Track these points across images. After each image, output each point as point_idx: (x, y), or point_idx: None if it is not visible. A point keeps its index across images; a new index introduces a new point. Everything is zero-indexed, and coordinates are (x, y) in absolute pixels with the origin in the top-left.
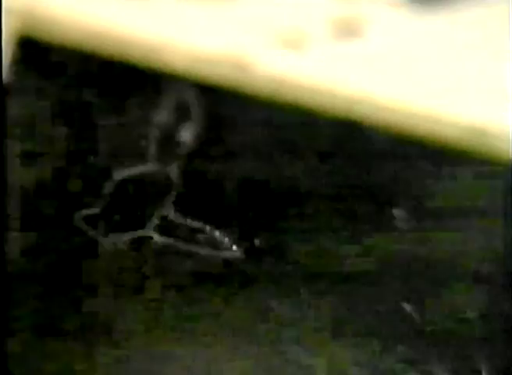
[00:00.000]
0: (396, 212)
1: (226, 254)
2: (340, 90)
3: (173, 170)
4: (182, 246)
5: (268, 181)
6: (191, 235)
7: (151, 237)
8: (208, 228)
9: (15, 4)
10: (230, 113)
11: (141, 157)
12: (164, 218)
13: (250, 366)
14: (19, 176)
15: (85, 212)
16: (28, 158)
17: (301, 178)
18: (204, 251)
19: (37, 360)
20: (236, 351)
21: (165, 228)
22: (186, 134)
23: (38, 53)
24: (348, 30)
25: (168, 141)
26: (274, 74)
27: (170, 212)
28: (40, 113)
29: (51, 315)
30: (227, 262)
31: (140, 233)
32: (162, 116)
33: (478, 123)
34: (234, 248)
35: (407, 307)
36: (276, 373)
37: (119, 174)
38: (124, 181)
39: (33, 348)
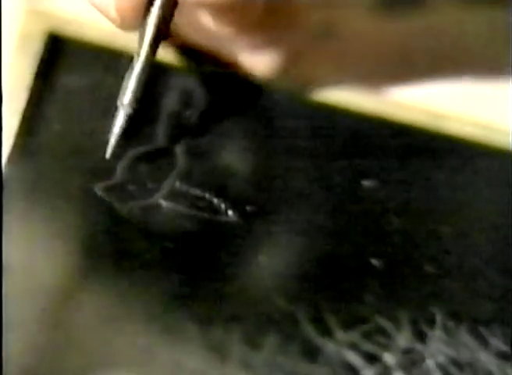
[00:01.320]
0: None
1: (223, 218)
2: None
3: (179, 149)
4: (185, 211)
5: (259, 158)
6: (193, 202)
7: (160, 204)
8: (207, 196)
9: (40, 5)
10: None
11: (152, 138)
12: (171, 187)
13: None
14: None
15: (105, 182)
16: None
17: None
18: (203, 215)
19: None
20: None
21: (171, 196)
22: (190, 119)
23: (64, 51)
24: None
25: (174, 124)
26: None
27: (175, 183)
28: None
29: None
30: (223, 225)
31: (150, 201)
32: (170, 104)
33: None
34: (230, 212)
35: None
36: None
37: (135, 150)
38: (137, 157)
39: None
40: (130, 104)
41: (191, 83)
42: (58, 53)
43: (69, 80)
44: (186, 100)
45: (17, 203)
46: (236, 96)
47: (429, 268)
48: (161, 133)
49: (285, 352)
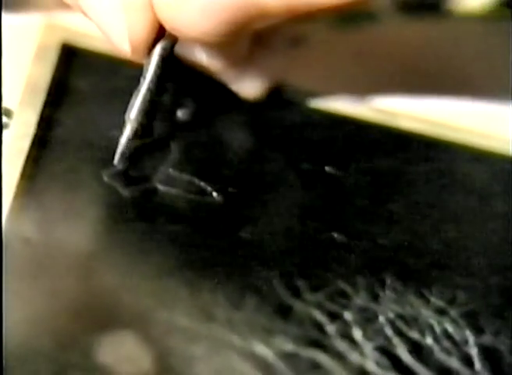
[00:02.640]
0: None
1: (208, 198)
2: None
3: (172, 140)
4: (177, 193)
5: (240, 149)
6: (184, 185)
7: (157, 187)
8: (196, 180)
9: (57, 20)
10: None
11: (149, 130)
12: (165, 173)
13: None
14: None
15: (110, 171)
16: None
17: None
18: (192, 196)
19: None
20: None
21: (166, 181)
22: (183, 115)
23: (77, 60)
24: None
25: (169, 121)
26: None
27: (170, 170)
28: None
29: None
30: (209, 205)
31: (148, 185)
32: (166, 104)
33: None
34: (214, 194)
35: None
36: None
37: (134, 143)
38: (138, 149)
39: None
40: (136, 119)
41: (184, 85)
42: (72, 62)
43: (81, 84)
44: (180, 100)
45: (35, 186)
46: (225, 96)
47: (382, 241)
48: (158, 129)
49: (262, 312)
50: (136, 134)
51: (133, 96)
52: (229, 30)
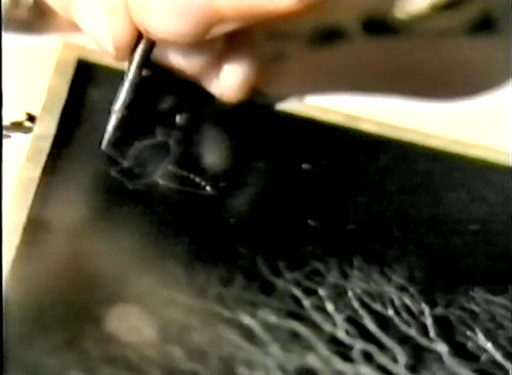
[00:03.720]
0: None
1: (202, 191)
2: None
3: (172, 142)
4: (175, 187)
5: (230, 149)
6: (181, 180)
7: (158, 182)
8: (191, 176)
9: (73, 39)
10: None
11: (152, 134)
12: (165, 170)
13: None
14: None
15: (117, 168)
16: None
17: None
18: (188, 189)
19: None
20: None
21: (166, 176)
22: (181, 120)
23: (91, 74)
24: None
25: (169, 124)
26: None
27: (169, 166)
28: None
29: None
30: (202, 197)
31: (151, 179)
32: (166, 108)
33: None
34: (207, 188)
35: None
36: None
37: (140, 143)
38: (141, 148)
39: None
40: (120, 110)
41: (182, 91)
42: (86, 75)
43: (94, 94)
44: (179, 105)
45: (54, 180)
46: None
47: (350, 227)
48: (159, 131)
49: (248, 288)
50: (120, 123)
51: (118, 91)
52: (195, 31)
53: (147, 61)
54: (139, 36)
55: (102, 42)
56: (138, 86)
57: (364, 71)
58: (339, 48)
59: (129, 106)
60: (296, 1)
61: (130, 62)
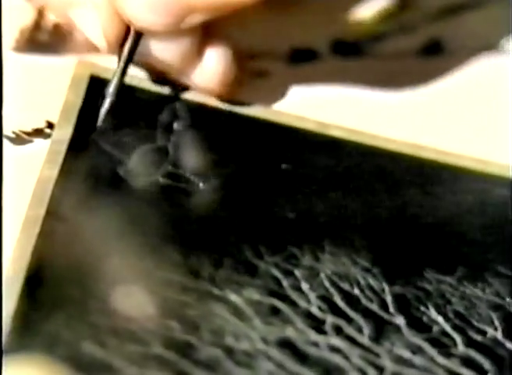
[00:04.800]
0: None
1: (196, 188)
2: None
3: (170, 146)
4: (173, 184)
5: (218, 152)
6: (178, 179)
7: (158, 180)
8: (187, 174)
9: (87, 57)
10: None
11: (153, 140)
12: (165, 170)
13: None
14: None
15: (124, 168)
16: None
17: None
18: (184, 186)
19: None
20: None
21: (166, 175)
22: (178, 126)
23: (102, 87)
24: None
25: (168, 131)
26: None
27: (168, 167)
28: None
29: None
30: (196, 192)
31: (153, 178)
32: (165, 117)
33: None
34: (200, 184)
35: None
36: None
37: (143, 147)
38: (144, 152)
39: None
40: (112, 93)
41: (179, 103)
42: (97, 89)
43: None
44: (176, 116)
45: (70, 178)
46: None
47: (323, 219)
48: (159, 137)
49: (235, 270)
50: (112, 105)
51: (111, 78)
52: (170, 21)
53: (134, 51)
54: (127, 29)
55: (95, 39)
56: (127, 74)
57: (332, 85)
58: (312, 66)
59: (119, 92)
60: None
61: (120, 53)
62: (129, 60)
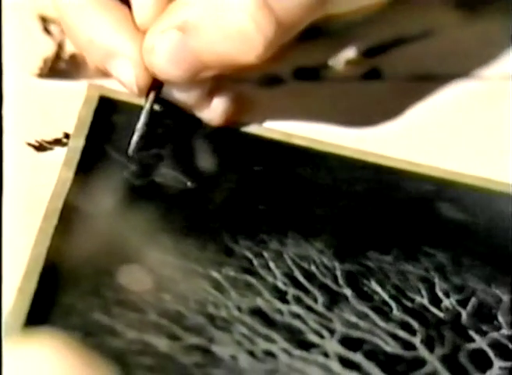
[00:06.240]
0: None
1: (186, 187)
2: None
3: (165, 152)
4: (166, 183)
5: (203, 157)
6: (171, 179)
7: (155, 180)
8: (179, 175)
9: (97, 80)
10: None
11: (151, 146)
12: (161, 171)
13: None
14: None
15: (127, 170)
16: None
17: None
18: (177, 185)
19: None
20: None
21: (161, 176)
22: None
23: (111, 107)
24: None
25: (163, 140)
26: None
27: (163, 170)
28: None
29: None
30: (187, 190)
31: (150, 178)
32: (160, 129)
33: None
34: (189, 183)
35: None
36: None
37: (143, 153)
38: (145, 156)
39: None
40: (140, 128)
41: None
42: (106, 107)
43: (112, 120)
44: (170, 128)
45: (83, 179)
46: (196, 126)
47: (287, 210)
48: (156, 145)
49: (216, 252)
50: (141, 138)
51: (140, 116)
52: (187, 75)
53: (158, 95)
54: (153, 79)
55: (129, 85)
56: (151, 114)
57: (295, 105)
58: (278, 89)
59: (147, 126)
60: (257, 58)
61: (147, 97)
62: (153, 103)
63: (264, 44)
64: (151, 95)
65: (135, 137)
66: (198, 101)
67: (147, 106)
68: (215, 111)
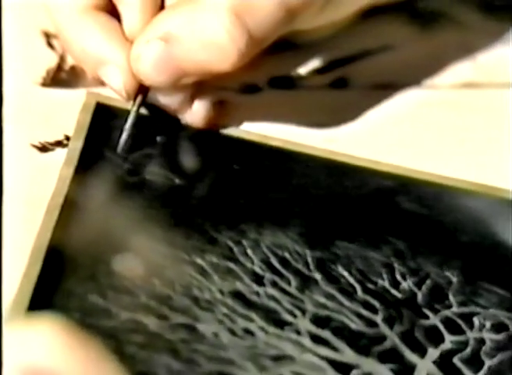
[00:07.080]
0: None
1: (175, 184)
2: None
3: (155, 151)
4: (158, 181)
5: (192, 157)
6: (162, 176)
7: (146, 177)
8: (168, 173)
9: (94, 89)
10: None
11: (142, 147)
12: (151, 170)
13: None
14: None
15: (121, 169)
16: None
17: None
18: (167, 182)
19: None
20: None
21: (152, 174)
22: (161, 139)
23: (107, 113)
24: None
25: (152, 140)
26: None
27: (155, 168)
28: None
29: None
30: (175, 186)
31: (142, 176)
32: (150, 130)
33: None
34: (177, 181)
35: (241, 201)
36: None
37: (135, 153)
38: (137, 156)
39: None
40: (128, 129)
41: (160, 122)
42: (102, 112)
43: (108, 124)
44: (159, 130)
45: (83, 177)
46: (182, 130)
47: (265, 203)
48: (146, 145)
49: (201, 241)
50: (129, 137)
51: (128, 118)
52: (169, 81)
53: (144, 99)
54: (140, 85)
55: (118, 90)
56: (138, 117)
57: (270, 110)
58: (256, 96)
59: (133, 127)
60: (231, 67)
61: (134, 101)
62: (141, 105)
63: (237, 54)
64: (138, 99)
65: (123, 137)
66: (181, 105)
67: (134, 109)
68: (196, 114)
